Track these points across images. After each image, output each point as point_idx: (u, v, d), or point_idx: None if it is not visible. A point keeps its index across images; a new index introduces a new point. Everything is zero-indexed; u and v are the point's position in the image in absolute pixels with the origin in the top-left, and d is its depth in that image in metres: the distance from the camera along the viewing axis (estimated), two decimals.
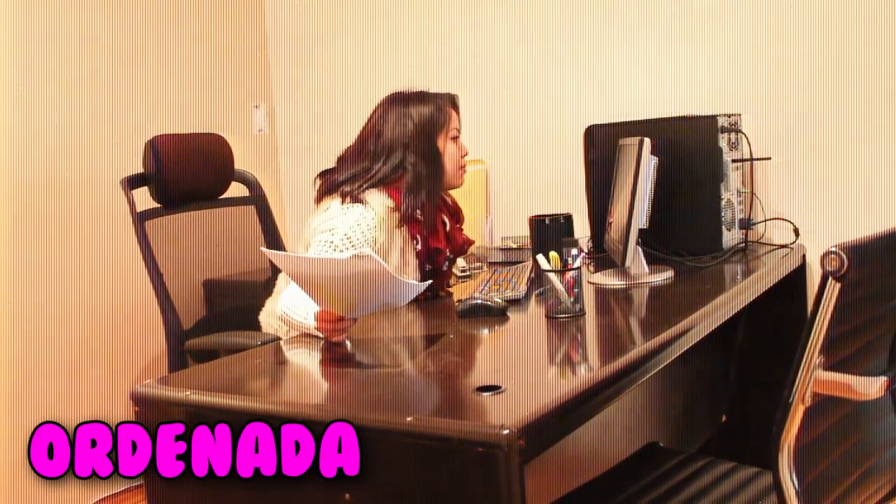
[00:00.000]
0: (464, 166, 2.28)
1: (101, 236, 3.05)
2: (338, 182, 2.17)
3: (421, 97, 2.23)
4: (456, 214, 2.33)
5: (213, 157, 2.66)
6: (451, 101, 2.27)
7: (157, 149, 2.49)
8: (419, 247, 2.14)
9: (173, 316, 2.45)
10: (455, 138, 2.24)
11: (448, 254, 2.22)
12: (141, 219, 2.46)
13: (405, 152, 2.16)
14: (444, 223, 2.22)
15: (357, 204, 2.09)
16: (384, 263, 1.61)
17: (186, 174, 2.56)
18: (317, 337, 1.83)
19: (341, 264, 1.63)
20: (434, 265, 2.19)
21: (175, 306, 2.46)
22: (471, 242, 2.36)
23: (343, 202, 2.11)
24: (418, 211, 2.12)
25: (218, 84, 3.49)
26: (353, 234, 2.06)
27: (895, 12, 2.49)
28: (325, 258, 1.86)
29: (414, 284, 1.74)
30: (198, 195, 2.61)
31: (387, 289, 1.68)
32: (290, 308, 1.98)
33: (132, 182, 2.51)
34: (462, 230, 2.33)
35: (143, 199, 2.52)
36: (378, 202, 2.11)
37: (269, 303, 2.30)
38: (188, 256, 2.59)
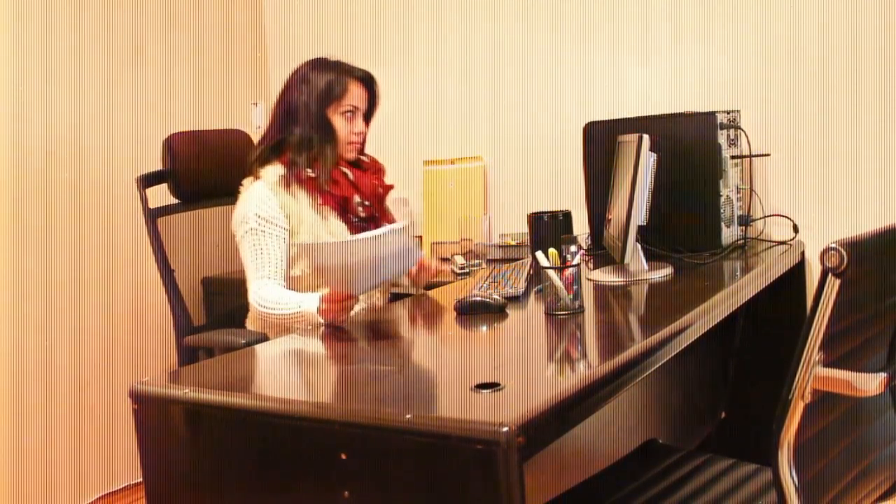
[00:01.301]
0: (353, 142, 2.26)
1: (103, 234, 3.05)
2: (249, 162, 2.25)
3: (325, 66, 2.25)
4: (371, 167, 2.33)
5: (235, 152, 2.64)
6: (361, 78, 2.28)
7: (175, 145, 2.50)
8: (321, 201, 2.18)
9: (183, 313, 2.45)
10: (348, 114, 2.24)
11: (359, 199, 2.23)
12: (153, 216, 2.48)
13: (296, 118, 2.20)
14: (344, 174, 2.22)
15: (254, 181, 2.19)
16: (411, 233, 1.69)
17: (207, 170, 2.56)
18: (310, 325, 1.85)
19: (378, 241, 1.75)
20: (350, 212, 2.21)
21: (185, 303, 2.47)
22: (388, 188, 2.35)
23: (247, 184, 2.21)
24: (308, 170, 2.17)
25: (217, 82, 3.49)
26: (260, 211, 2.14)
27: (894, 9, 2.49)
28: (362, 237, 1.88)
29: (414, 247, 1.85)
30: (219, 191, 2.58)
31: (403, 256, 1.78)
32: (275, 304, 2.01)
33: (148, 180, 2.51)
34: (380, 179, 2.33)
35: (152, 195, 2.52)
36: (271, 172, 2.19)
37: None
38: (200, 253, 2.59)
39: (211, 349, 2.24)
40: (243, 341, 2.15)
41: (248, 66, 3.65)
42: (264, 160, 2.22)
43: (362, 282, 1.82)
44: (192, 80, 3.39)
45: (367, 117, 2.34)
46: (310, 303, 1.98)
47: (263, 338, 2.13)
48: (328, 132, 2.20)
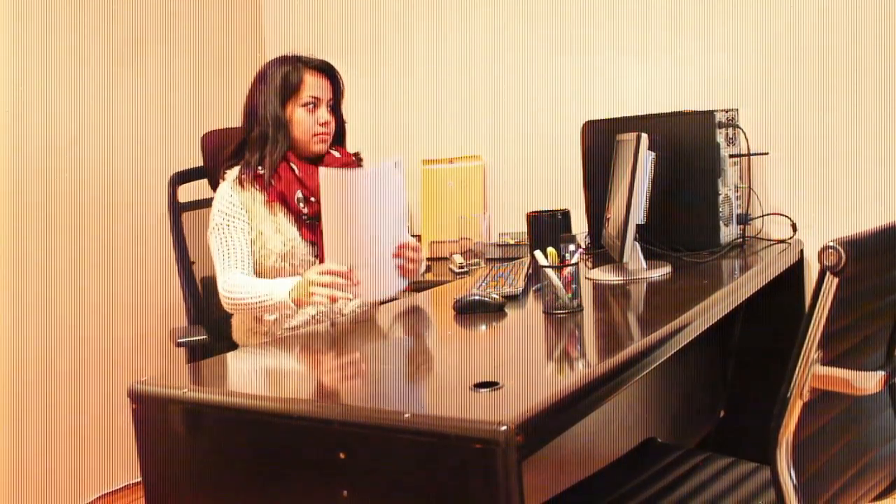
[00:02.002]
0: (318, 134, 2.23)
1: (103, 234, 3.05)
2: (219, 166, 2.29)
3: (282, 61, 2.23)
4: (336, 163, 2.26)
5: None
6: (318, 68, 2.25)
7: (212, 142, 2.56)
8: (267, 198, 2.17)
9: (196, 305, 2.49)
10: (309, 106, 2.21)
11: (301, 194, 2.19)
12: (178, 211, 2.55)
13: (256, 117, 2.21)
14: (291, 169, 2.20)
15: (221, 182, 2.23)
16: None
17: None
18: (282, 312, 1.95)
19: (373, 174, 1.88)
20: (290, 208, 2.18)
21: (201, 298, 2.52)
22: None
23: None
24: (259, 168, 2.17)
25: (217, 81, 3.48)
26: (224, 208, 2.17)
27: (893, 7, 2.49)
28: (359, 171, 2.01)
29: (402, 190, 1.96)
30: None
31: (394, 197, 1.90)
32: (242, 291, 2.05)
33: (182, 177, 2.59)
34: None
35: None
36: (232, 173, 2.22)
37: (234, 320, 2.32)
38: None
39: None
40: (179, 340, 2.24)
41: (248, 67, 3.64)
42: (230, 163, 2.25)
43: (362, 223, 1.86)
44: (190, 80, 3.38)
45: (336, 108, 2.30)
46: (280, 289, 2.01)
47: (203, 342, 2.21)
48: (281, 127, 2.19)
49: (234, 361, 1.74)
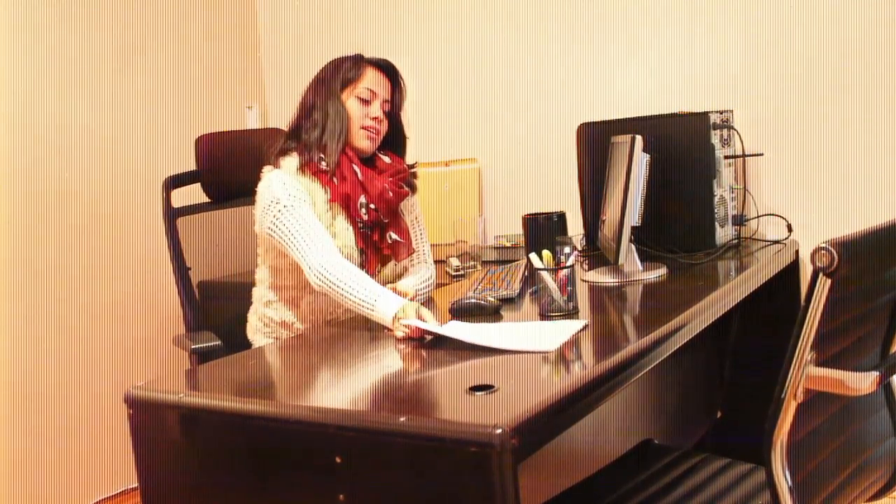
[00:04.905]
0: (368, 128, 2.14)
1: (103, 237, 3.05)
2: (271, 152, 2.17)
3: (342, 59, 2.18)
4: (388, 169, 2.19)
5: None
6: (379, 64, 2.18)
7: (206, 146, 2.55)
8: (329, 198, 2.08)
9: (194, 311, 2.49)
10: (364, 100, 2.13)
11: (364, 200, 2.10)
12: (173, 216, 2.53)
13: (312, 104, 2.14)
14: (355, 172, 2.11)
15: (273, 169, 2.10)
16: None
17: (239, 169, 2.56)
18: (373, 320, 1.85)
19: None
20: (354, 213, 2.09)
21: (198, 303, 2.50)
22: (400, 193, 2.17)
23: (266, 171, 2.12)
24: (323, 163, 2.08)
25: (213, 85, 3.49)
26: (290, 190, 2.04)
27: (892, 8, 2.49)
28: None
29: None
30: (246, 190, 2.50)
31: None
32: (347, 280, 1.90)
33: (175, 181, 2.57)
34: (393, 183, 2.16)
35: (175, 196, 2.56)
36: (289, 162, 2.11)
37: (251, 317, 2.27)
38: (199, 258, 2.61)
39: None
40: (194, 347, 2.21)
41: (243, 70, 3.65)
42: (284, 151, 2.14)
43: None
44: (188, 84, 3.39)
45: (394, 110, 2.21)
46: (386, 306, 1.83)
47: (217, 348, 2.17)
48: (339, 113, 2.10)
49: (230, 366, 1.74)
